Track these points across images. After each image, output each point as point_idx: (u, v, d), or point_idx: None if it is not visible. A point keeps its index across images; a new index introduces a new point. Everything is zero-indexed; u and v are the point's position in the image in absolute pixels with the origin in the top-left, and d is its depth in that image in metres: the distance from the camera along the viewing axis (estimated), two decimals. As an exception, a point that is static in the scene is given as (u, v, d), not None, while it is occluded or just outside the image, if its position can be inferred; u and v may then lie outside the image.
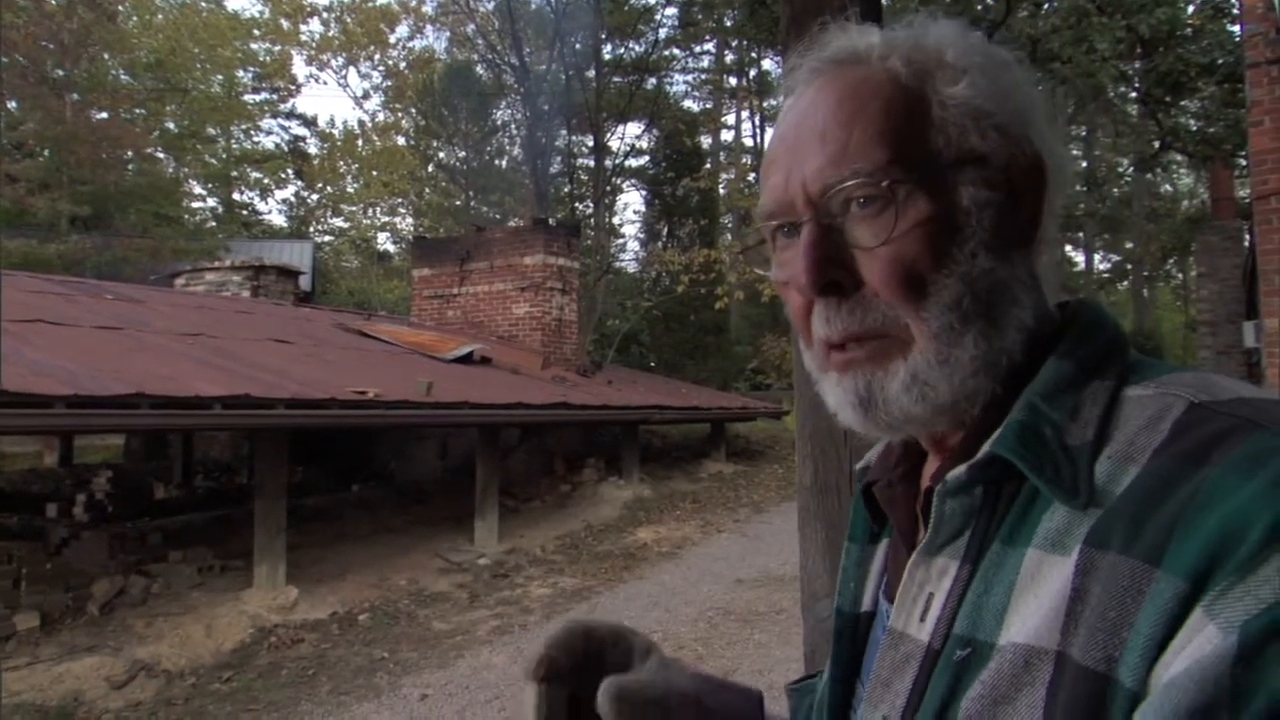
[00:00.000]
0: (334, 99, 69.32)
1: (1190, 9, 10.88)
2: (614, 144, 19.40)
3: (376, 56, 29.89)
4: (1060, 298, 0.62)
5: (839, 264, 0.55)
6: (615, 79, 18.18)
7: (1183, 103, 11.20)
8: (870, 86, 0.56)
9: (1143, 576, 0.42)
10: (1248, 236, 9.96)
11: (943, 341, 0.54)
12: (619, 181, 21.48)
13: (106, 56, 20.25)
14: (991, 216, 0.55)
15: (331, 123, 48.89)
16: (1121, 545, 0.44)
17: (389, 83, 30.09)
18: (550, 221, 12.92)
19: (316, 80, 62.52)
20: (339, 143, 30.80)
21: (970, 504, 0.53)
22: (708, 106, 27.50)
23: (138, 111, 20.99)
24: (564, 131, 18.59)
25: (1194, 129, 11.02)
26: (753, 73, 24.07)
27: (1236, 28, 8.92)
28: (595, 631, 0.69)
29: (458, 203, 26.04)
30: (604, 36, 17.68)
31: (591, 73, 17.49)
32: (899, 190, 0.53)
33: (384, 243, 30.95)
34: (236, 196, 29.00)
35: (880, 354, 0.56)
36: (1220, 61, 9.36)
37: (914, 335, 0.54)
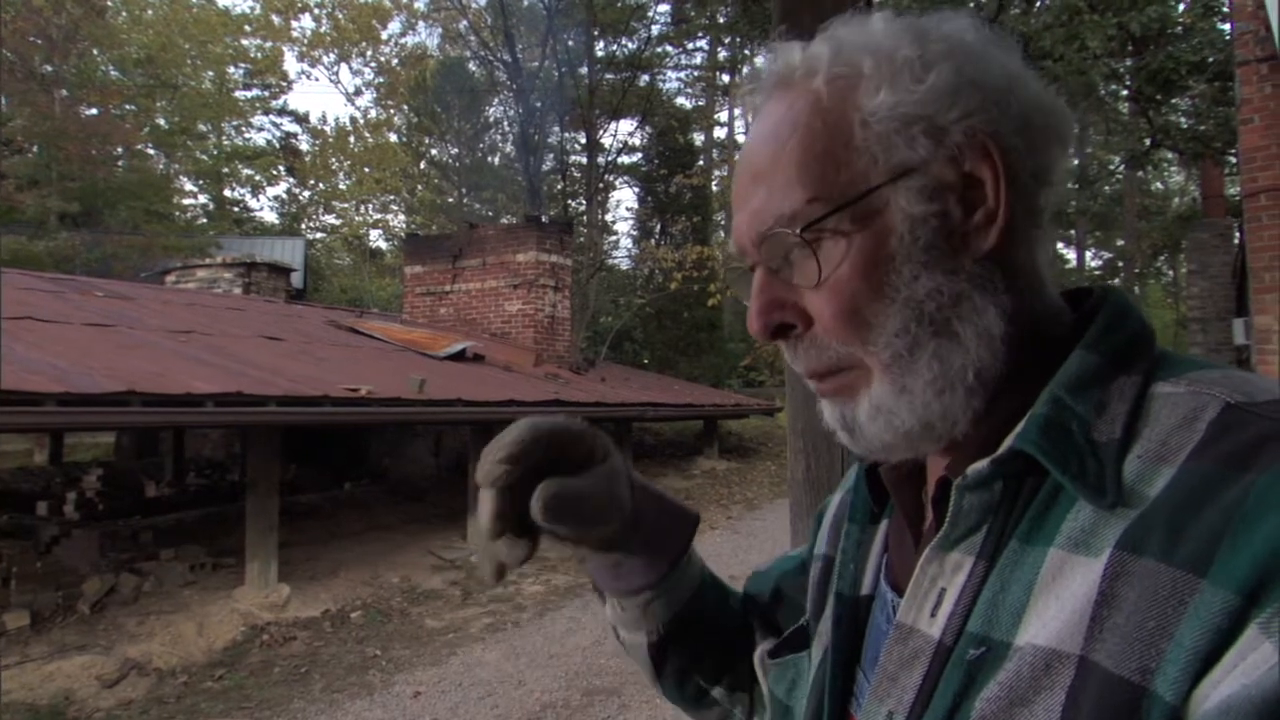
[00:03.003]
0: (326, 95, 69.12)
1: (1181, 7, 10.92)
2: (607, 141, 19.38)
3: (369, 53, 29.83)
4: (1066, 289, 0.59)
5: (787, 306, 0.55)
6: (608, 75, 18.16)
7: (1173, 100, 11.24)
8: (792, 116, 0.54)
9: (1185, 586, 0.40)
10: (1238, 234, 10.02)
11: (895, 372, 0.53)
12: (612, 178, 21.45)
13: (96, 52, 20.13)
14: (931, 231, 0.52)
15: (323, 119, 48.86)
16: (1160, 552, 0.42)
17: (381, 79, 30.02)
18: (543, 218, 12.91)
19: (308, 76, 62.22)
20: (331, 139, 30.69)
21: (989, 499, 0.51)
22: (700, 103, 27.55)
23: (128, 107, 20.89)
24: (557, 128, 18.56)
25: (1185, 127, 11.07)
26: (745, 70, 24.09)
27: (1227, 26, 8.96)
28: (560, 435, 0.64)
29: (450, 200, 25.99)
30: (596, 33, 17.65)
31: (584, 69, 17.46)
32: (822, 231, 0.52)
33: (376, 240, 30.90)
34: (228, 193, 28.90)
35: (846, 388, 0.56)
36: (1211, 59, 9.40)
37: (869, 367, 0.54)
